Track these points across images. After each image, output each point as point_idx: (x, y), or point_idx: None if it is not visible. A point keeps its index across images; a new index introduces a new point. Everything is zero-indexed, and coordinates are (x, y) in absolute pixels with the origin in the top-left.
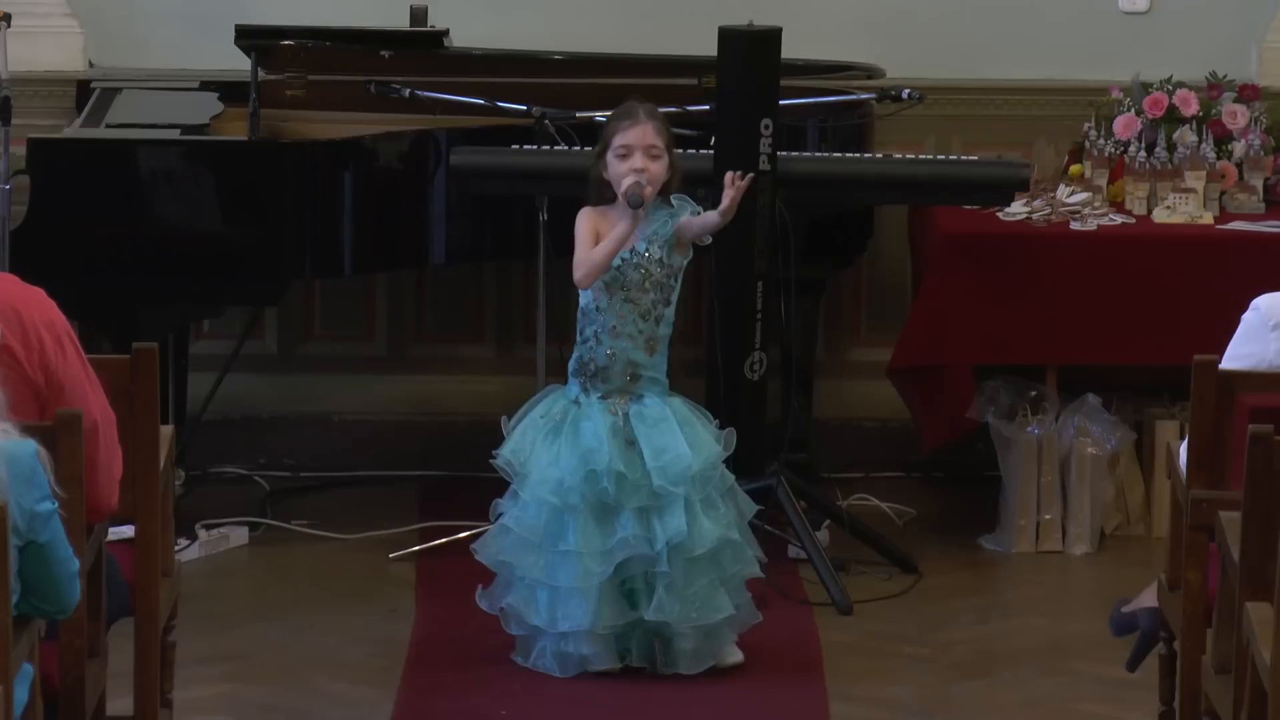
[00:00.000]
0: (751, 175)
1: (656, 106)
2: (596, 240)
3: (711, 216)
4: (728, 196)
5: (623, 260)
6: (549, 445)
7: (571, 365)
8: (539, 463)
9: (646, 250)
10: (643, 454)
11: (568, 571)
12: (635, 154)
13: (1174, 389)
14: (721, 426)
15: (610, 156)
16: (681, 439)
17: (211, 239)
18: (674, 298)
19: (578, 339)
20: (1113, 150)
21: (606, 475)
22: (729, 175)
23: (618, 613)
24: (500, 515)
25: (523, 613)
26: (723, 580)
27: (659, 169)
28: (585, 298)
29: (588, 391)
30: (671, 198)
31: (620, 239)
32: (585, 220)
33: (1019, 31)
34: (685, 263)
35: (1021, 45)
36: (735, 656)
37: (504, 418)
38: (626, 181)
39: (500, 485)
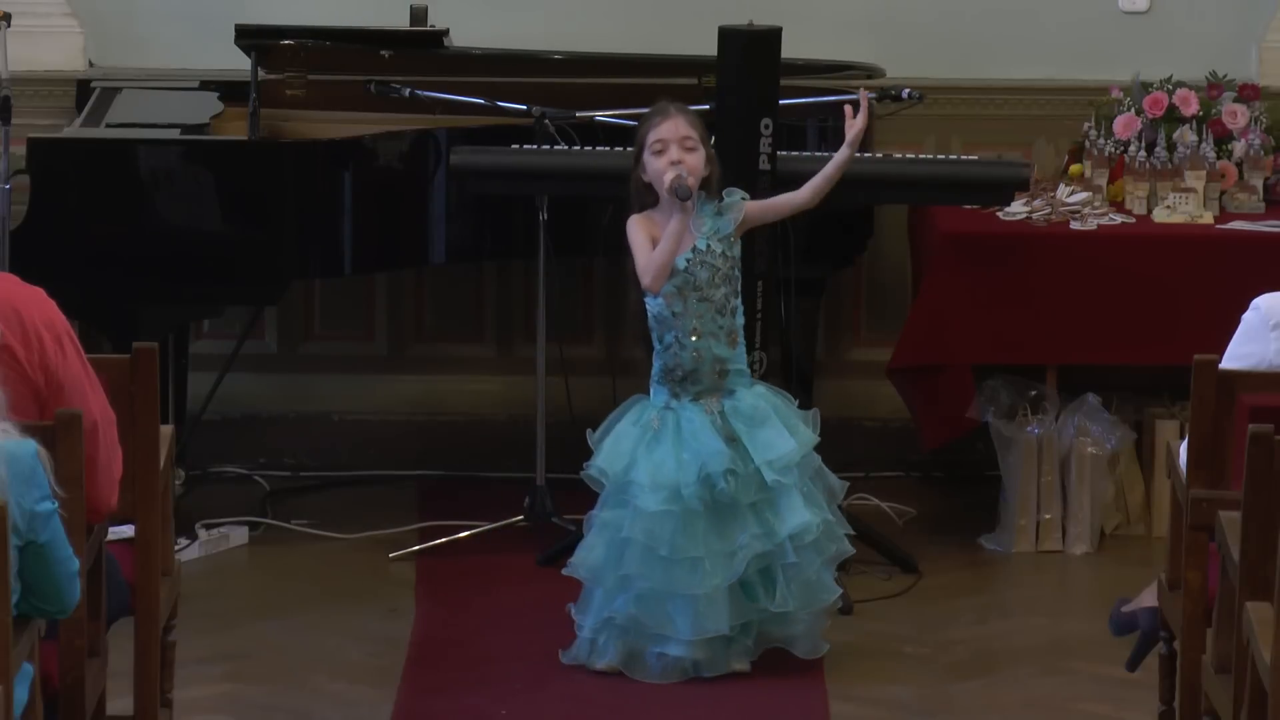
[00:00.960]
0: (871, 95)
1: (684, 104)
2: (653, 245)
3: (842, 152)
4: (856, 125)
5: (688, 261)
6: (651, 453)
7: (655, 374)
8: (645, 471)
9: (708, 246)
10: (746, 449)
11: (696, 579)
12: (670, 147)
13: (1174, 389)
14: (802, 406)
15: (647, 155)
16: (783, 429)
17: (211, 239)
18: (740, 287)
19: (657, 347)
20: (1113, 150)
21: (721, 476)
22: (847, 109)
23: (742, 611)
24: (602, 526)
25: (645, 623)
26: (824, 563)
27: (696, 160)
28: (656, 305)
29: (679, 396)
30: (725, 191)
31: (676, 235)
32: (637, 227)
33: (1019, 31)
34: (740, 251)
35: (1021, 45)
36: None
37: (589, 431)
38: (667, 176)
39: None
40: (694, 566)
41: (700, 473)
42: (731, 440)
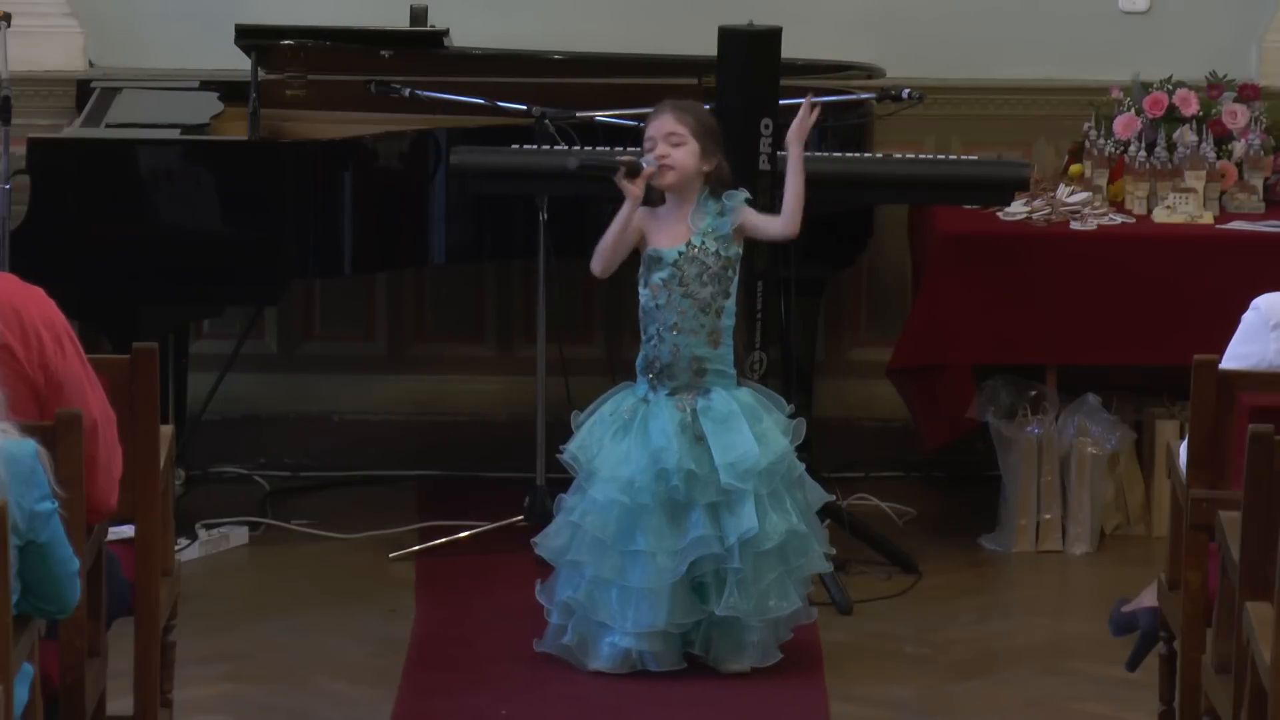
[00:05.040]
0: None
1: (693, 101)
2: (624, 229)
3: (790, 153)
4: (799, 123)
5: (679, 255)
6: (617, 443)
7: (638, 363)
8: (608, 461)
9: (702, 243)
10: (711, 450)
11: (640, 571)
12: (658, 144)
13: (1174, 389)
14: (793, 416)
15: (645, 152)
16: (749, 435)
17: (211, 239)
18: (733, 289)
19: (642, 337)
20: (1113, 150)
21: (676, 473)
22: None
23: (688, 610)
24: (565, 510)
25: (588, 609)
26: (788, 573)
27: (682, 155)
28: (644, 296)
29: (655, 389)
30: (725, 195)
31: (623, 220)
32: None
33: (1019, 31)
34: (740, 252)
35: (1021, 45)
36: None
37: (575, 412)
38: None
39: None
40: (638, 559)
41: (655, 468)
42: (699, 439)
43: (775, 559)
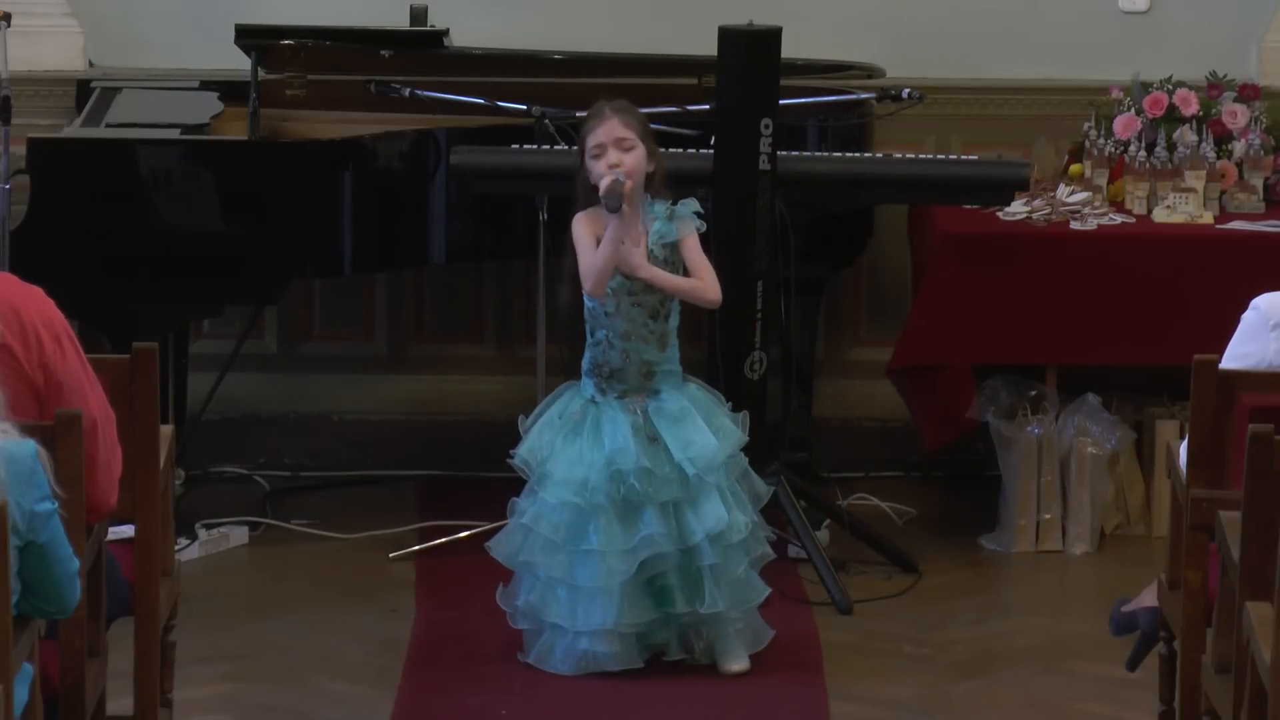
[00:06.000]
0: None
1: (626, 101)
2: (597, 244)
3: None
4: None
5: None
6: (569, 444)
7: (585, 365)
8: (560, 463)
9: (651, 250)
10: (668, 449)
11: (589, 570)
12: (608, 150)
13: (1174, 389)
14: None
15: (588, 160)
16: (705, 429)
17: (211, 239)
18: None
19: (588, 339)
20: (1113, 150)
21: (634, 473)
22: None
23: (641, 610)
24: (516, 513)
25: (540, 610)
26: (751, 563)
27: (634, 159)
28: (590, 301)
29: (604, 391)
30: (679, 203)
31: (615, 240)
32: (581, 226)
33: (1019, 31)
34: None
35: (1021, 45)
36: (742, 664)
37: (520, 417)
38: (603, 182)
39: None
40: (588, 559)
41: (609, 469)
42: (653, 440)
43: (740, 551)
